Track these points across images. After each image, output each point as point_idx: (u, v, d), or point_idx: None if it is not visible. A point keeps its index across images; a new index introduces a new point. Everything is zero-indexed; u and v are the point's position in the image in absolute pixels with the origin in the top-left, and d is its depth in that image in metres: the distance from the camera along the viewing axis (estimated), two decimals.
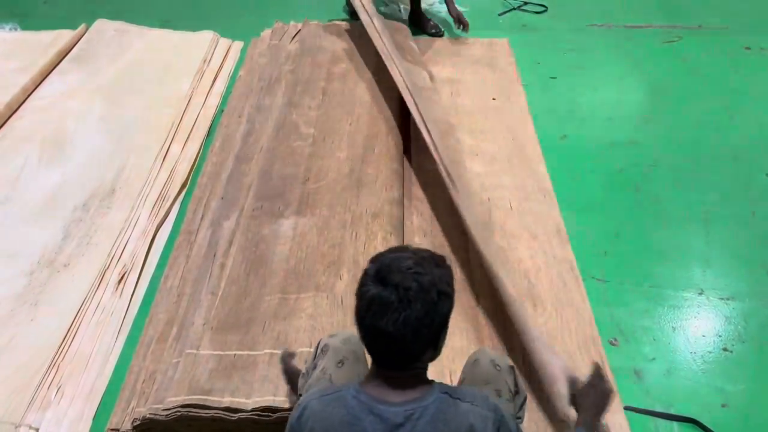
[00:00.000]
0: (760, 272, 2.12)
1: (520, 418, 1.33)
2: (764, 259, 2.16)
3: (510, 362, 1.35)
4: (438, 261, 1.04)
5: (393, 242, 1.98)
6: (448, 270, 1.04)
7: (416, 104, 2.40)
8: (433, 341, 1.02)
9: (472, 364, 1.33)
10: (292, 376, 1.47)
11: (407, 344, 0.98)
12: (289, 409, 1.50)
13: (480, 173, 2.44)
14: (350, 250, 1.94)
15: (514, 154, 2.55)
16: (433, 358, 1.06)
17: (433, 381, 1.05)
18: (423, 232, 2.18)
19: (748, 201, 2.40)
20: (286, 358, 1.50)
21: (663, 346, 1.89)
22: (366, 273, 1.02)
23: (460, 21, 3.32)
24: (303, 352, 1.62)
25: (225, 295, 1.84)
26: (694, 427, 1.67)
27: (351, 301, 1.74)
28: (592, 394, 1.32)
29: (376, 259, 1.03)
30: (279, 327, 1.72)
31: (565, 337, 1.84)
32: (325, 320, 1.73)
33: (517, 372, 1.35)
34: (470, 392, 1.05)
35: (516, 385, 1.32)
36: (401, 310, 0.96)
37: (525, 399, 1.35)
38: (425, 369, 1.05)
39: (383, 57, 2.66)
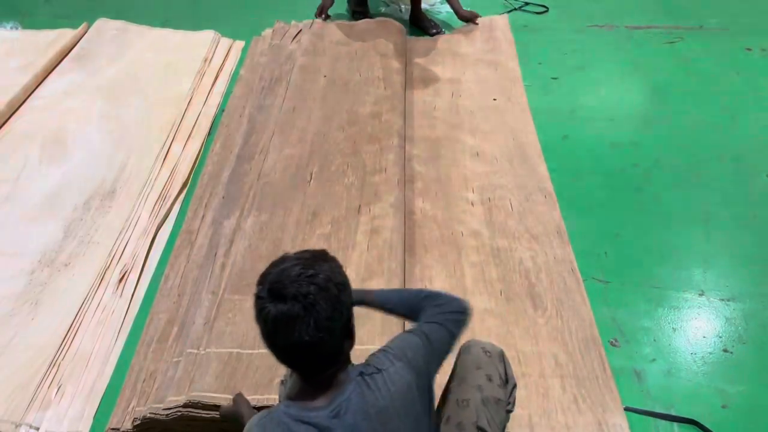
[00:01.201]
0: (760, 273, 2.12)
1: (510, 404, 1.34)
2: (765, 260, 2.16)
3: (500, 349, 1.37)
4: (322, 256, 1.05)
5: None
6: (334, 260, 1.06)
7: None
8: (346, 333, 1.05)
9: (463, 351, 1.35)
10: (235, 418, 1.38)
11: (326, 346, 1.00)
12: (261, 408, 1.50)
13: (481, 173, 2.44)
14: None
15: (514, 154, 2.55)
16: (351, 347, 1.08)
17: (349, 367, 1.07)
18: None
19: (749, 202, 2.40)
20: (238, 398, 1.40)
21: (663, 347, 1.89)
22: (258, 297, 1.01)
23: (474, 19, 3.37)
24: None
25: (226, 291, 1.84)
26: (695, 428, 1.67)
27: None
28: None
29: (263, 280, 1.02)
30: None
31: (566, 338, 1.84)
32: None
33: (507, 359, 1.36)
34: (378, 359, 1.08)
35: (506, 372, 1.34)
36: (309, 317, 0.96)
37: (515, 386, 1.37)
38: (347, 361, 1.07)
39: None
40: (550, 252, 2.11)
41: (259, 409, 1.50)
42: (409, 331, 1.17)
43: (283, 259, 1.04)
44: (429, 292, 1.26)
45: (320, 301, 0.97)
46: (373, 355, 1.12)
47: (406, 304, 1.27)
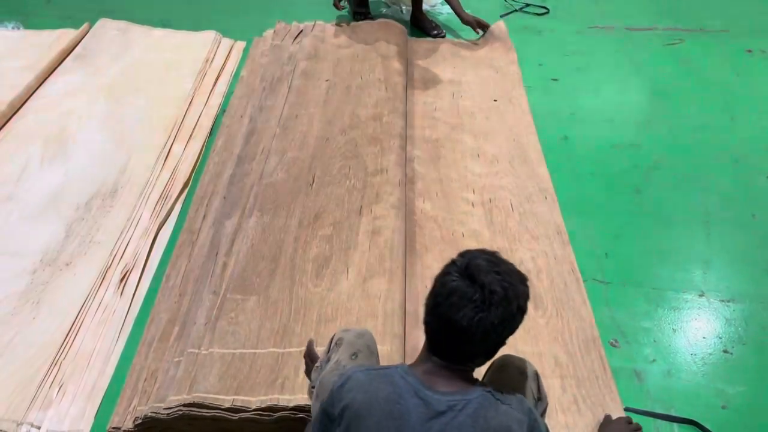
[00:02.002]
0: (760, 274, 2.12)
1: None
2: (765, 261, 2.17)
3: (535, 369, 1.36)
4: (523, 278, 1.06)
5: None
6: (528, 290, 1.07)
7: None
8: (492, 350, 1.05)
9: (498, 369, 1.34)
10: (313, 359, 1.48)
11: (473, 344, 1.01)
12: (290, 409, 1.51)
13: (481, 174, 2.44)
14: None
15: (515, 155, 2.55)
16: (481, 364, 1.09)
17: (477, 379, 1.07)
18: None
19: (749, 203, 2.40)
20: (311, 345, 1.52)
21: (663, 347, 1.89)
22: (453, 263, 1.03)
23: (480, 25, 3.36)
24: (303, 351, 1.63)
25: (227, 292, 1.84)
26: (695, 428, 1.68)
27: (358, 300, 1.77)
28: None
29: (466, 254, 1.05)
30: (283, 326, 1.73)
31: (566, 338, 1.84)
32: (343, 318, 1.74)
33: (541, 379, 1.36)
34: (510, 395, 1.07)
35: (539, 391, 1.33)
36: (480, 311, 0.98)
37: (546, 406, 1.36)
38: (473, 369, 1.08)
39: None
40: (550, 253, 2.12)
41: (262, 408, 1.50)
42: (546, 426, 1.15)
43: (494, 253, 1.06)
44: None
45: (499, 306, 0.99)
46: (511, 392, 1.11)
47: None
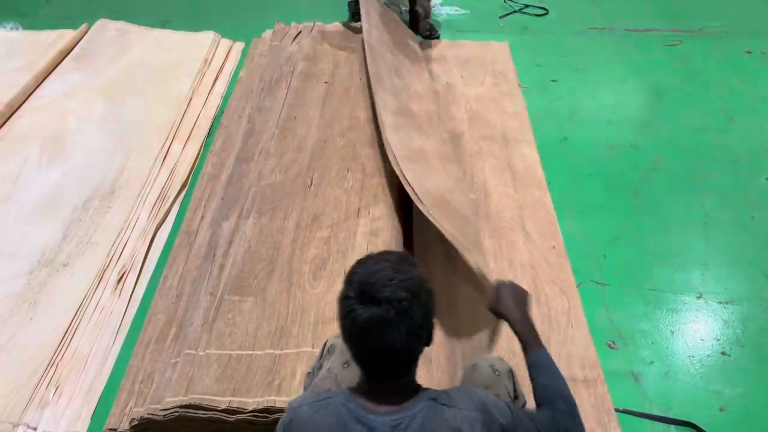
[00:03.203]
0: (759, 276, 2.12)
1: None
2: (763, 263, 2.16)
3: (509, 367, 1.35)
4: (408, 260, 1.03)
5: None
6: (419, 266, 1.03)
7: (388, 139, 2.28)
8: (428, 338, 1.03)
9: (471, 368, 1.33)
10: None
11: (413, 352, 0.99)
12: None
13: (478, 175, 2.44)
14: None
15: (512, 156, 2.55)
16: (422, 352, 1.05)
17: (420, 387, 1.04)
18: None
19: (748, 205, 2.40)
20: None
21: (661, 349, 1.89)
22: (346, 296, 0.98)
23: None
24: (306, 352, 1.63)
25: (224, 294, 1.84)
26: (692, 430, 1.67)
27: None
28: (508, 299, 1.27)
29: (350, 279, 0.99)
30: (280, 327, 1.73)
31: (560, 337, 1.84)
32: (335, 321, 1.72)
33: (516, 376, 1.35)
34: (458, 395, 1.04)
35: (515, 390, 1.32)
36: (402, 324, 0.95)
37: (524, 404, 1.35)
38: (415, 371, 1.05)
39: (371, 78, 2.59)
40: (548, 254, 2.11)
41: (258, 410, 1.50)
42: (509, 403, 1.11)
43: (369, 258, 1.03)
44: (570, 408, 1.13)
45: (414, 307, 0.95)
46: (457, 388, 1.09)
47: (545, 385, 1.16)
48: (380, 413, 0.99)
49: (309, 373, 1.38)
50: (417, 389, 1.03)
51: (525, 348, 1.21)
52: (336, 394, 1.04)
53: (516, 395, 1.31)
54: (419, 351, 1.02)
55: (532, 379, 1.17)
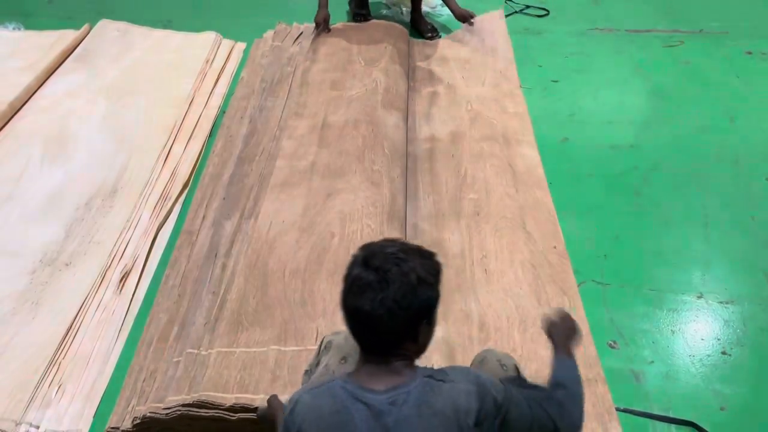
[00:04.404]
0: (759, 276, 2.12)
1: None
2: (764, 263, 2.17)
3: (515, 362, 1.36)
4: (424, 253, 1.06)
5: None
6: (433, 262, 1.07)
7: None
8: (410, 329, 1.03)
9: (479, 363, 1.34)
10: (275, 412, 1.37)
11: (383, 324, 1.00)
12: None
13: (479, 177, 2.45)
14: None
15: (513, 156, 2.55)
16: (417, 352, 1.07)
17: (417, 367, 1.07)
18: None
19: (748, 205, 2.40)
20: (272, 400, 1.40)
21: (662, 349, 1.89)
22: (354, 258, 1.05)
23: (470, 18, 3.33)
24: (311, 350, 1.63)
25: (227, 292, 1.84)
26: (693, 430, 1.67)
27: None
28: (561, 327, 1.31)
29: (364, 247, 1.06)
30: (283, 322, 1.73)
31: None
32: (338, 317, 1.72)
33: (523, 372, 1.36)
34: (452, 370, 1.07)
35: None
36: (379, 291, 0.99)
37: None
38: (409, 358, 1.07)
39: None
40: (547, 255, 2.12)
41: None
42: (506, 380, 1.13)
43: (394, 240, 1.08)
44: (572, 394, 1.15)
45: (396, 281, 0.99)
46: (452, 366, 1.11)
47: (555, 375, 1.19)
48: (377, 391, 1.01)
49: (307, 370, 1.39)
50: (413, 369, 1.06)
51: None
52: (335, 378, 1.07)
53: None
54: (398, 333, 1.03)
55: (550, 375, 1.20)
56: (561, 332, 1.30)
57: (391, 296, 0.99)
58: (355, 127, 2.49)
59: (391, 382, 1.02)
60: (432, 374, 1.04)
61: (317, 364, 1.33)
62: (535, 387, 1.15)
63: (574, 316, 1.35)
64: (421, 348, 1.08)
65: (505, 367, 1.32)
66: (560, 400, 1.12)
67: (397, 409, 0.99)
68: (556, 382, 1.16)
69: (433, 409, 1.00)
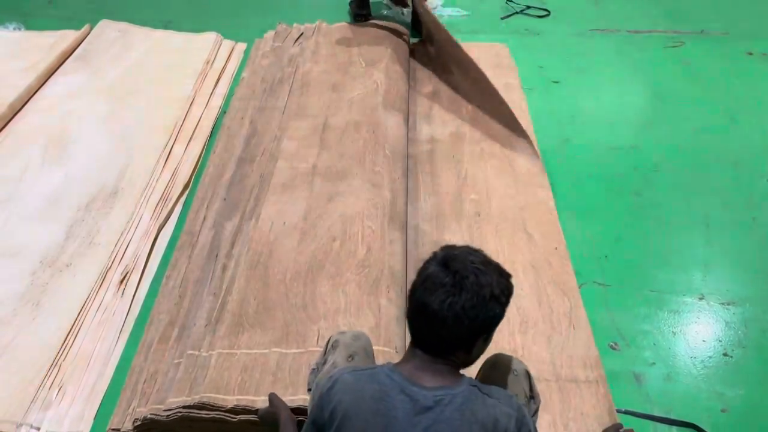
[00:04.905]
0: (760, 277, 2.12)
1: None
2: (765, 264, 2.17)
3: (526, 368, 1.36)
4: (502, 272, 1.09)
5: None
6: (508, 283, 1.09)
7: None
8: (468, 339, 1.05)
9: (490, 367, 1.34)
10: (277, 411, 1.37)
11: (446, 327, 1.02)
12: (292, 410, 1.50)
13: (479, 178, 2.45)
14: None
15: (513, 158, 2.55)
16: (466, 362, 1.09)
17: (463, 374, 1.08)
18: None
19: (749, 206, 2.40)
20: (274, 399, 1.41)
21: (663, 350, 1.89)
22: (434, 255, 1.08)
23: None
24: (313, 351, 1.63)
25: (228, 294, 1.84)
26: (694, 431, 1.67)
27: (358, 301, 1.77)
28: None
29: (447, 248, 1.09)
30: (285, 324, 1.73)
31: (561, 338, 1.85)
32: (343, 319, 1.73)
33: (533, 378, 1.36)
34: (497, 390, 1.08)
35: (531, 390, 1.33)
36: (451, 294, 1.01)
37: (538, 406, 1.36)
38: (456, 366, 1.08)
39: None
40: (548, 256, 2.12)
41: (294, 410, 1.49)
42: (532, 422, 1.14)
43: (477, 250, 1.10)
44: None
45: (470, 290, 1.02)
46: (497, 387, 1.12)
47: None
48: (424, 387, 1.03)
49: (313, 369, 1.39)
50: (459, 376, 1.08)
51: None
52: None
53: (532, 395, 1.33)
54: (456, 339, 1.05)
55: None
56: None
57: (462, 303, 1.01)
58: (356, 129, 2.48)
59: (439, 382, 1.04)
60: (478, 386, 1.06)
61: (324, 362, 1.34)
62: None
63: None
64: (470, 360, 1.10)
65: (515, 372, 1.32)
66: None
67: (441, 408, 1.01)
68: None
69: (476, 417, 1.01)
